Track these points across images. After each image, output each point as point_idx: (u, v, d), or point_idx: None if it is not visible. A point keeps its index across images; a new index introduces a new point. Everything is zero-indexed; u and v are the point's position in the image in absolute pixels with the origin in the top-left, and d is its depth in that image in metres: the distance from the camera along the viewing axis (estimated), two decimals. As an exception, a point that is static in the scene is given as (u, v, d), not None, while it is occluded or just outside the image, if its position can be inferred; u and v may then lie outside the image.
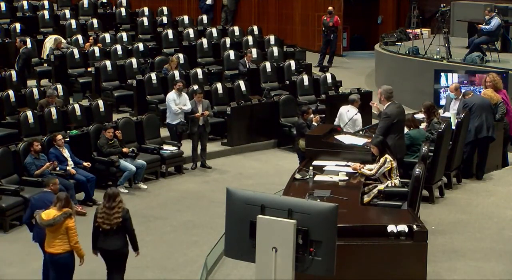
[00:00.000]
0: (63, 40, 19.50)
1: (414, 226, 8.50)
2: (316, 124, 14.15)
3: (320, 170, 10.76)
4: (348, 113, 14.29)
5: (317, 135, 11.82)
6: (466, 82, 16.31)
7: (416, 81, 18.86)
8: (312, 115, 14.47)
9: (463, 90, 14.49)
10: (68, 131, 14.39)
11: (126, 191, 13.92)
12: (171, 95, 15.46)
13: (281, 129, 16.80)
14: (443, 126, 12.37)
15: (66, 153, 13.28)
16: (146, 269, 10.77)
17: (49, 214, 9.28)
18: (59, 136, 13.35)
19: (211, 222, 12.22)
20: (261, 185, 13.98)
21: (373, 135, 11.52)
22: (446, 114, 14.06)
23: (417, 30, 22.27)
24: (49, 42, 19.42)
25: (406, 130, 11.95)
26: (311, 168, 10.62)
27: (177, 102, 15.37)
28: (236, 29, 21.92)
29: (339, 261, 6.26)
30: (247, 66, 18.82)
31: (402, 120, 11.58)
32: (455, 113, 13.51)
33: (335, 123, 14.23)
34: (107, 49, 19.26)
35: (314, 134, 11.96)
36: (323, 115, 16.06)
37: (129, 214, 9.59)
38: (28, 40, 18.92)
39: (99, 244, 9.58)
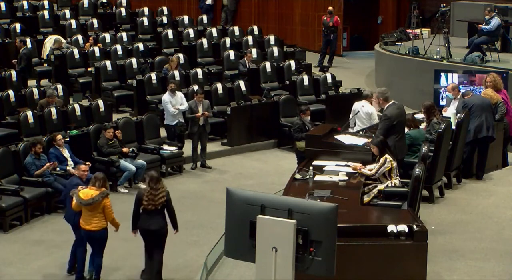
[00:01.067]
0: (63, 40, 19.51)
1: (414, 226, 8.50)
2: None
3: (320, 170, 10.76)
4: (363, 108, 14.32)
5: (317, 135, 11.82)
6: (466, 82, 16.31)
7: (416, 81, 18.85)
8: (309, 117, 14.48)
9: (463, 90, 14.50)
10: (68, 131, 14.39)
11: (126, 191, 13.93)
12: (166, 97, 15.47)
13: (281, 129, 16.80)
14: (443, 126, 12.37)
15: (66, 153, 13.28)
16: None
17: (87, 193, 10.00)
18: (59, 136, 13.36)
19: (211, 222, 12.22)
20: (261, 185, 13.98)
21: (373, 136, 11.51)
22: (447, 113, 14.08)
23: (417, 30, 22.26)
24: (49, 42, 19.43)
25: (406, 130, 11.95)
26: (311, 168, 10.61)
27: (173, 103, 15.38)
28: (236, 29, 21.92)
29: (339, 261, 6.26)
30: (247, 66, 18.82)
31: (402, 121, 11.55)
32: (455, 113, 13.51)
33: (350, 119, 14.22)
34: (107, 49, 19.26)
35: (314, 134, 11.97)
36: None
37: (170, 195, 10.21)
38: (28, 40, 18.93)
39: (142, 224, 10.11)
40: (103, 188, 10.11)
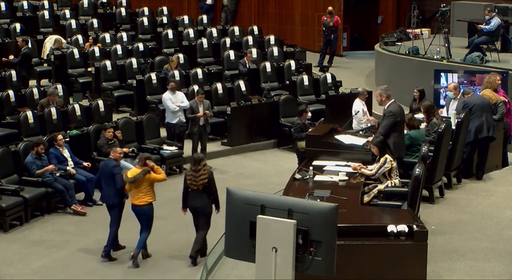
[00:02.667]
0: (63, 40, 19.51)
1: (414, 226, 8.49)
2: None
3: (320, 170, 10.76)
4: (363, 108, 14.51)
5: (317, 135, 11.83)
6: (466, 82, 16.32)
7: (416, 81, 18.82)
8: (310, 114, 14.52)
9: (463, 89, 14.49)
10: (68, 131, 14.39)
11: (126, 191, 13.92)
12: (166, 95, 15.49)
13: (281, 129, 16.80)
14: (443, 126, 12.37)
15: (66, 153, 13.28)
16: (146, 269, 10.76)
17: (133, 172, 10.93)
18: (60, 136, 13.35)
19: (211, 222, 12.20)
20: (261, 185, 13.98)
21: (376, 133, 11.49)
22: (444, 114, 14.10)
23: (417, 30, 22.25)
24: (49, 42, 19.43)
25: (406, 130, 11.96)
26: (311, 168, 10.62)
27: (172, 100, 15.39)
28: (236, 29, 21.92)
29: (339, 261, 6.26)
30: (247, 66, 18.82)
31: (403, 120, 11.62)
32: (455, 113, 13.52)
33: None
34: (107, 49, 19.26)
35: (314, 134, 11.97)
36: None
37: (213, 175, 10.90)
38: (29, 40, 18.93)
39: (189, 202, 10.91)
40: (144, 166, 10.85)
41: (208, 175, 10.80)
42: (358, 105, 14.72)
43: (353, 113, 14.52)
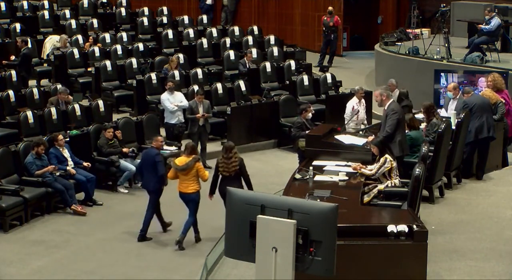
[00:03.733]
0: (67, 37, 19.51)
1: (414, 226, 8.50)
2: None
3: (320, 170, 10.76)
4: (363, 108, 14.60)
5: (317, 135, 11.83)
6: (466, 82, 16.32)
7: (416, 81, 18.85)
8: (310, 114, 14.53)
9: (462, 88, 14.48)
10: (68, 131, 14.39)
11: (126, 191, 13.93)
12: (165, 95, 15.51)
13: (281, 129, 16.80)
14: (443, 126, 12.38)
15: (66, 153, 13.28)
16: (146, 269, 10.77)
17: (181, 160, 11.42)
18: (61, 136, 13.36)
19: (211, 222, 12.21)
20: (261, 185, 13.96)
21: (382, 132, 11.46)
22: (444, 113, 14.11)
23: (417, 30, 22.25)
24: (49, 42, 19.43)
25: (406, 130, 11.98)
26: (311, 168, 10.62)
27: (171, 101, 15.39)
28: (236, 29, 21.92)
29: (339, 261, 6.26)
30: (247, 66, 18.82)
31: (404, 117, 11.68)
32: (455, 113, 13.52)
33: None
34: (107, 49, 19.26)
35: (314, 134, 11.98)
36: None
37: (244, 162, 11.50)
38: (29, 40, 18.93)
39: (222, 188, 11.32)
40: (193, 154, 11.37)
41: (239, 161, 11.41)
42: (351, 104, 14.81)
43: (353, 114, 14.55)
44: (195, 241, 11.63)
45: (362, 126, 14.68)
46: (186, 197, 11.52)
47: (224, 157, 11.42)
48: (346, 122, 14.54)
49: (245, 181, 11.55)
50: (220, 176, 11.48)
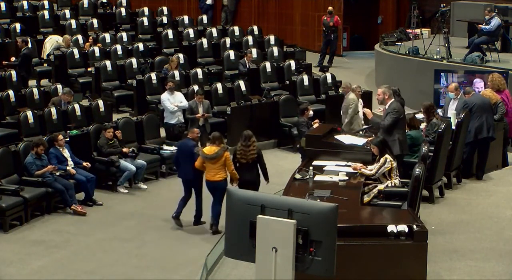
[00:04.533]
0: (68, 36, 19.51)
1: (414, 226, 8.50)
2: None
3: (320, 170, 10.76)
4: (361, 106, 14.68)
5: (317, 135, 11.83)
6: (466, 82, 16.31)
7: (416, 81, 18.85)
8: (311, 112, 14.56)
9: (463, 89, 14.48)
10: (68, 131, 14.39)
11: (126, 191, 13.92)
12: (165, 95, 15.50)
13: (281, 129, 16.79)
14: (443, 126, 12.38)
15: (66, 153, 13.28)
16: (146, 269, 10.77)
17: (209, 149, 11.76)
18: (61, 136, 13.36)
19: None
20: (261, 185, 13.96)
21: (381, 130, 11.51)
22: (443, 113, 14.12)
23: (417, 30, 22.26)
24: (49, 42, 19.43)
25: (407, 130, 11.99)
26: (311, 168, 10.62)
27: (171, 101, 15.39)
28: (236, 29, 21.92)
29: (339, 261, 6.26)
30: (247, 66, 18.82)
31: (404, 117, 11.69)
32: (455, 113, 13.52)
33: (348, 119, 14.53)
34: (107, 49, 19.26)
35: (314, 134, 11.98)
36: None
37: (261, 151, 11.99)
38: (29, 40, 18.93)
39: (241, 176, 11.82)
40: (220, 144, 11.77)
41: (257, 150, 11.87)
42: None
43: (353, 112, 14.58)
44: (212, 234, 11.84)
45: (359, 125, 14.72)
46: (214, 185, 11.81)
47: (242, 145, 11.85)
48: (344, 123, 14.56)
49: (261, 169, 11.96)
50: (238, 164, 11.89)
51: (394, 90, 15.07)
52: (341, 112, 14.88)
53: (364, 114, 13.25)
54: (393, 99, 11.55)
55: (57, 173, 12.90)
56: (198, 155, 11.93)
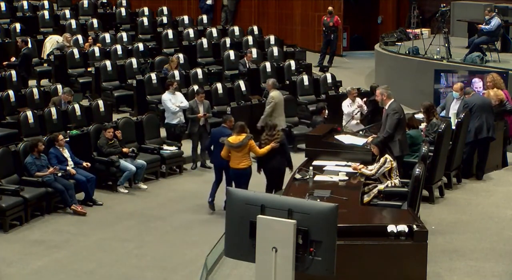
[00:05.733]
0: (68, 35, 19.51)
1: (414, 226, 8.50)
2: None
3: (320, 170, 10.77)
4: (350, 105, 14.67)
5: (317, 135, 11.84)
6: (466, 82, 16.32)
7: (416, 81, 18.86)
8: (327, 111, 14.63)
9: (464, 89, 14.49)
10: (68, 131, 14.39)
11: (126, 191, 13.92)
12: (166, 96, 15.47)
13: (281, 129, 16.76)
14: (443, 126, 12.38)
15: (66, 153, 13.28)
16: (146, 269, 10.77)
17: (234, 139, 12.21)
18: (61, 136, 13.36)
19: (211, 222, 12.22)
20: (261, 185, 13.96)
21: (383, 132, 11.48)
22: (443, 113, 14.12)
23: (417, 30, 22.27)
24: (49, 42, 19.43)
25: (406, 130, 11.98)
26: (311, 168, 10.62)
27: (172, 101, 15.38)
28: (236, 29, 21.92)
29: (339, 261, 6.26)
30: (247, 66, 18.82)
31: (405, 117, 11.68)
32: (455, 113, 13.53)
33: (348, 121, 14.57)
34: (107, 49, 19.26)
35: (314, 134, 11.98)
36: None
37: (286, 140, 12.52)
38: (29, 40, 18.93)
39: (264, 164, 12.36)
40: (243, 133, 12.22)
41: (281, 139, 12.27)
42: (344, 106, 14.89)
43: (352, 114, 14.62)
44: None
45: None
46: (239, 172, 12.28)
47: (267, 134, 12.35)
48: (344, 125, 14.59)
49: (286, 157, 12.34)
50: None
51: (374, 86, 15.20)
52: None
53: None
54: (392, 100, 11.54)
55: (59, 174, 12.89)
56: (224, 144, 12.38)
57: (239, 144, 12.17)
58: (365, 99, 15.34)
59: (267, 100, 15.44)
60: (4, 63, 18.48)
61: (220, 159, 12.57)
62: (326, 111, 14.63)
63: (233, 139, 12.26)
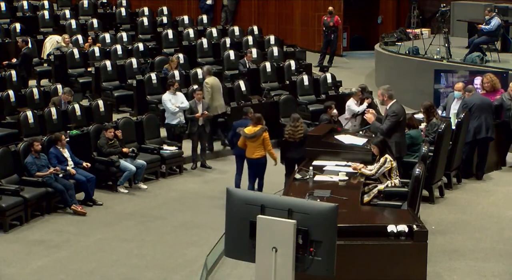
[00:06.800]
0: (66, 36, 19.51)
1: (414, 226, 8.50)
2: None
3: (320, 170, 10.77)
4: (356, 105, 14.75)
5: (317, 135, 11.84)
6: (466, 82, 16.32)
7: (416, 81, 18.86)
8: (335, 111, 14.58)
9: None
10: (68, 131, 14.38)
11: (126, 191, 13.92)
12: (166, 96, 15.45)
13: (281, 129, 16.74)
14: (443, 126, 12.38)
15: (66, 153, 13.28)
16: (146, 269, 10.77)
17: (250, 129, 12.82)
18: (63, 137, 13.36)
19: (211, 222, 12.22)
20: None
21: (378, 133, 11.51)
22: (443, 114, 14.12)
23: (417, 30, 22.26)
24: (49, 42, 19.42)
25: (406, 130, 11.98)
26: (311, 168, 10.62)
27: (172, 102, 15.37)
28: (236, 29, 21.91)
29: (339, 261, 6.26)
30: (247, 66, 18.81)
31: (405, 119, 11.67)
32: (455, 113, 13.53)
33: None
34: (107, 49, 19.25)
35: (314, 134, 11.99)
36: None
37: (308, 130, 12.95)
38: (29, 40, 18.92)
39: (286, 154, 12.90)
40: (259, 124, 12.74)
41: (304, 130, 12.77)
42: (352, 105, 14.81)
43: (354, 114, 14.58)
44: None
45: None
46: (254, 161, 12.88)
47: (291, 126, 12.84)
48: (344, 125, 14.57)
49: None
50: (286, 143, 12.88)
51: (363, 87, 15.17)
52: None
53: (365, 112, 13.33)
54: (393, 101, 11.53)
55: (60, 175, 12.88)
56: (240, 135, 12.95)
57: (253, 135, 12.73)
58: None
59: (203, 88, 15.88)
60: (4, 62, 18.47)
61: (240, 149, 13.12)
62: (334, 110, 14.57)
63: (249, 130, 12.83)
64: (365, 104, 14.87)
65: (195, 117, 15.14)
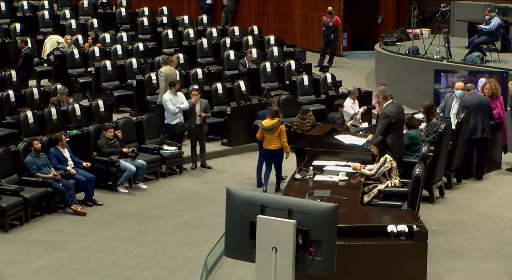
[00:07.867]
0: (68, 37, 19.49)
1: (414, 226, 8.50)
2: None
3: (320, 170, 10.76)
4: (353, 105, 14.78)
5: (317, 135, 11.84)
6: (466, 82, 16.32)
7: (416, 81, 18.86)
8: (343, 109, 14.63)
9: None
10: (68, 131, 14.39)
11: (126, 191, 13.92)
12: (167, 96, 15.43)
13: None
14: (443, 126, 12.38)
15: (66, 153, 13.28)
16: (146, 269, 10.77)
17: (267, 122, 13.42)
18: (64, 137, 13.36)
19: (211, 222, 12.22)
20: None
21: (372, 136, 11.54)
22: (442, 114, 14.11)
23: (417, 30, 22.26)
24: (49, 42, 19.42)
25: (405, 130, 11.97)
26: (311, 168, 10.62)
27: (173, 102, 15.36)
28: (236, 29, 21.92)
29: (339, 261, 6.26)
30: (247, 66, 18.82)
31: (401, 120, 11.61)
32: (455, 113, 13.53)
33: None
34: (107, 49, 19.25)
35: (314, 134, 11.99)
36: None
37: (316, 123, 13.56)
38: (28, 40, 18.92)
39: (295, 144, 13.38)
40: (276, 117, 13.37)
41: (312, 122, 13.32)
42: (348, 108, 14.82)
43: (354, 115, 14.58)
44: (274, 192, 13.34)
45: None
46: (271, 152, 13.47)
47: (300, 118, 13.43)
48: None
49: None
50: (294, 134, 13.44)
51: (349, 90, 15.21)
52: None
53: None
54: (388, 102, 11.51)
55: (59, 176, 12.87)
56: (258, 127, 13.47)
57: (270, 128, 13.30)
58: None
59: (158, 77, 16.53)
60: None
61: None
62: (344, 109, 14.60)
63: (266, 122, 13.42)
64: (362, 109, 14.93)
65: (193, 115, 15.08)
